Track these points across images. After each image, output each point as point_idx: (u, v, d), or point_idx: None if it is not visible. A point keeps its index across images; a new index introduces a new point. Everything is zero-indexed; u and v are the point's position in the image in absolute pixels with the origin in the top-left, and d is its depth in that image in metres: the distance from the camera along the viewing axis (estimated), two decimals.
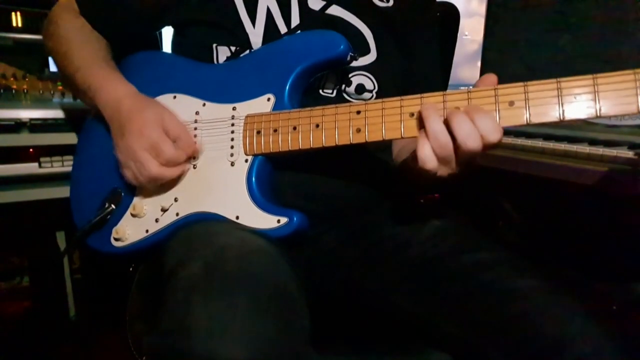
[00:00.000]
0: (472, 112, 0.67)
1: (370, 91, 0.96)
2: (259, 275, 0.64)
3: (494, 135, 0.67)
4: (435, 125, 0.69)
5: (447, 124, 0.68)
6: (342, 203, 0.95)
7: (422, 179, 0.77)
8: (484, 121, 0.67)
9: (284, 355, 0.59)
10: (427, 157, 0.69)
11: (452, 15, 1.39)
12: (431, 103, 0.71)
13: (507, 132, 1.38)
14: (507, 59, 1.71)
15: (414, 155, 0.73)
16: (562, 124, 0.65)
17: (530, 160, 1.25)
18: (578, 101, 0.65)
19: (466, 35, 1.80)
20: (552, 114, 0.66)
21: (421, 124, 0.71)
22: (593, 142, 1.17)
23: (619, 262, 1.31)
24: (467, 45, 1.81)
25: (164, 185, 0.89)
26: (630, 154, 1.06)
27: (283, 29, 0.93)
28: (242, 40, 0.93)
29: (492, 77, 0.71)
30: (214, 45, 0.94)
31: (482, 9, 1.76)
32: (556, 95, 0.66)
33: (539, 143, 1.26)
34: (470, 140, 0.67)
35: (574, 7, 1.52)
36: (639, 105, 0.62)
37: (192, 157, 0.88)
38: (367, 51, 0.96)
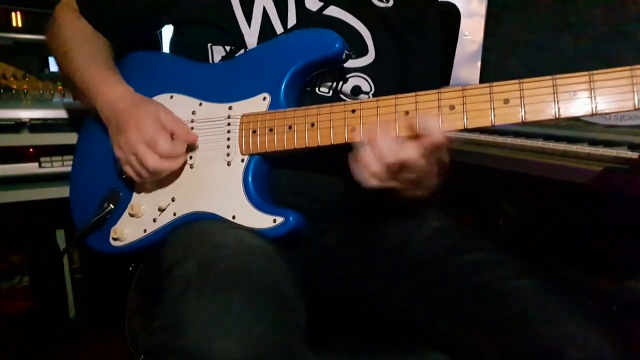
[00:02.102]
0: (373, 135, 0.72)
1: (367, 93, 0.96)
2: (253, 273, 0.65)
3: (389, 157, 0.70)
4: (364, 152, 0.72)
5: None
6: (341, 202, 0.95)
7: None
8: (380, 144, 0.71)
9: (278, 352, 0.59)
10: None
11: (453, 15, 1.39)
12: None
13: (507, 132, 1.38)
14: (507, 59, 1.70)
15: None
16: (558, 121, 0.65)
17: (530, 160, 1.24)
18: (574, 98, 0.64)
19: (466, 36, 1.79)
20: (548, 112, 0.66)
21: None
22: (593, 142, 1.17)
23: (619, 262, 1.31)
24: (467, 45, 1.80)
25: (161, 185, 0.89)
26: (630, 154, 1.06)
27: (279, 29, 0.93)
28: (237, 40, 0.92)
29: None
30: (209, 44, 0.94)
31: (482, 9, 1.76)
32: (552, 93, 0.65)
33: (539, 143, 1.25)
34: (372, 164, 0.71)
35: (574, 7, 1.51)
36: (635, 101, 0.61)
37: (191, 149, 0.87)
38: (365, 52, 0.95)
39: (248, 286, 0.62)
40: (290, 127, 0.81)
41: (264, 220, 0.80)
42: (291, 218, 0.79)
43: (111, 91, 0.90)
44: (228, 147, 0.86)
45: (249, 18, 0.93)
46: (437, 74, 1.11)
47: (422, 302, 0.83)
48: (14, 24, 1.50)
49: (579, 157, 1.15)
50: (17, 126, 1.20)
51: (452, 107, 0.71)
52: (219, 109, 0.88)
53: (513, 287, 0.76)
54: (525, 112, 0.67)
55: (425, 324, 0.82)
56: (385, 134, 0.71)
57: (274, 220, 0.80)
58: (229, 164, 0.85)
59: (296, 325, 0.64)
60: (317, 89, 0.93)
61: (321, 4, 0.95)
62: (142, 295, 0.98)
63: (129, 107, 0.86)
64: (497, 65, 1.71)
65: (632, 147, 1.09)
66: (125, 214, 0.91)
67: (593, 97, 0.63)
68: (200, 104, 0.91)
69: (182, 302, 0.61)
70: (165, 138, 0.83)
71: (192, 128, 0.89)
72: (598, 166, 1.09)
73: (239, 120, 0.86)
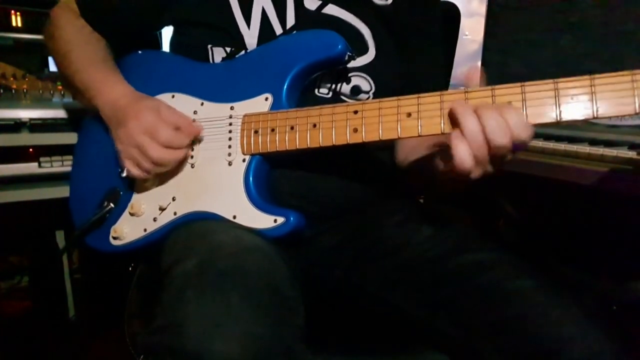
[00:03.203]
0: (501, 108, 0.66)
1: (367, 92, 0.95)
2: (252, 272, 0.65)
3: (524, 132, 0.65)
4: (471, 124, 0.65)
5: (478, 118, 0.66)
6: (341, 203, 0.95)
7: (444, 181, 0.77)
8: (513, 117, 0.65)
9: (277, 353, 0.59)
10: (465, 157, 0.66)
11: (453, 15, 1.38)
12: (460, 100, 0.69)
13: None
14: (507, 59, 1.70)
15: (443, 156, 0.72)
16: (559, 124, 0.65)
17: (531, 160, 1.24)
18: (575, 102, 0.65)
19: (466, 35, 1.79)
20: (550, 115, 0.66)
21: (454, 122, 0.68)
22: (593, 142, 1.16)
23: (619, 262, 1.31)
24: (467, 45, 1.80)
25: (162, 184, 0.89)
26: (630, 154, 1.06)
27: (278, 29, 0.93)
28: (237, 41, 0.92)
29: None
30: (209, 46, 0.94)
31: (482, 9, 1.75)
32: (553, 96, 0.66)
33: (539, 143, 1.25)
34: (499, 136, 0.64)
35: (574, 7, 1.51)
36: (635, 106, 0.62)
37: (196, 141, 0.87)
38: (365, 51, 0.95)
39: (247, 286, 0.62)
40: (292, 128, 0.81)
41: (264, 220, 0.80)
42: (292, 218, 0.79)
43: (112, 91, 0.90)
44: (229, 147, 0.86)
45: (248, 19, 0.93)
46: (441, 73, 1.09)
47: (422, 302, 0.83)
48: (14, 24, 1.50)
49: (579, 157, 1.15)
50: (16, 126, 1.20)
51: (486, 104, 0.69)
52: (220, 109, 0.88)
53: (513, 287, 0.76)
54: (527, 115, 0.67)
55: (425, 324, 0.82)
56: (506, 111, 0.65)
57: (275, 221, 0.79)
58: (230, 163, 0.85)
59: (295, 325, 0.64)
60: (316, 90, 0.93)
61: (320, 2, 0.94)
62: (142, 295, 0.98)
63: (130, 102, 0.87)
64: (497, 66, 1.71)
65: (633, 147, 1.09)
66: (126, 213, 0.91)
67: (594, 102, 0.64)
68: (202, 104, 0.91)
69: (181, 302, 0.61)
70: (165, 127, 0.82)
71: None
72: (598, 166, 1.09)
73: (240, 120, 0.86)
